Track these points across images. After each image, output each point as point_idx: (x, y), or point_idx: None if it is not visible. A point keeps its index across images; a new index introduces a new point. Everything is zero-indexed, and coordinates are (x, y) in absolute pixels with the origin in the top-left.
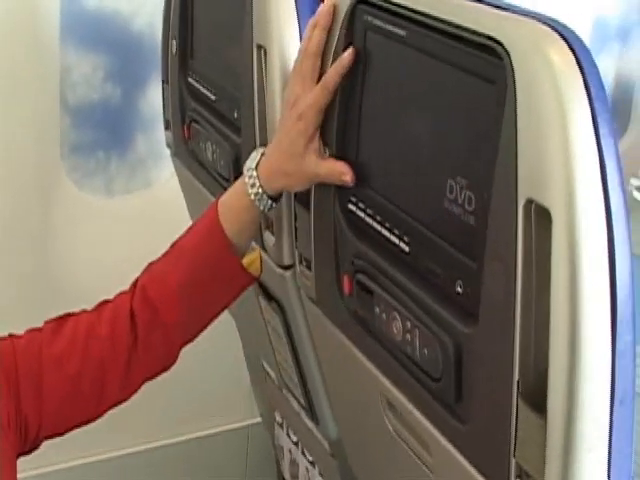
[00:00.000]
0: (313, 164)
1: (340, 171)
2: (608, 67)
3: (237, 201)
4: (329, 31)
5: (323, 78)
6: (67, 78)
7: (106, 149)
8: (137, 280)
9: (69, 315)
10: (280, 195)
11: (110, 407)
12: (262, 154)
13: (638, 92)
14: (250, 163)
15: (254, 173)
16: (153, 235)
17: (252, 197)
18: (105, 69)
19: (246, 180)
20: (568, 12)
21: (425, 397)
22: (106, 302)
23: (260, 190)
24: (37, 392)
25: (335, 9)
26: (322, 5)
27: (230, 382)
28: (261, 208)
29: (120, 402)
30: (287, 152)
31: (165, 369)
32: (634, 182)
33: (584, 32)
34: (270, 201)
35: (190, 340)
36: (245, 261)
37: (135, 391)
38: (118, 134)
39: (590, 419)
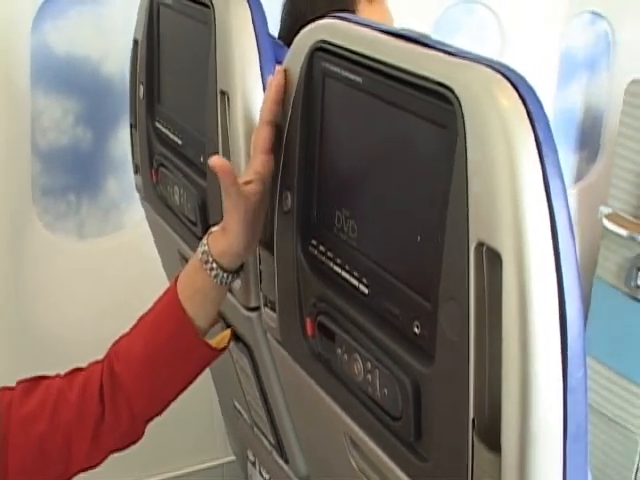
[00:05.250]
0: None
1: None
2: (577, 97)
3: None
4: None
5: None
6: (38, 123)
7: (77, 193)
8: (109, 350)
9: (42, 378)
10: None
11: (77, 472)
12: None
13: (607, 121)
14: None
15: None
16: (125, 278)
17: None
18: (75, 113)
19: (200, 256)
20: (536, 44)
21: (386, 435)
22: (79, 369)
23: (215, 265)
24: (4, 450)
25: (287, 72)
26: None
27: (204, 421)
28: (219, 284)
29: (88, 469)
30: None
31: (129, 443)
32: (604, 210)
33: (553, 63)
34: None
35: (156, 414)
36: (214, 341)
37: (103, 460)
38: (89, 178)
39: (544, 455)
